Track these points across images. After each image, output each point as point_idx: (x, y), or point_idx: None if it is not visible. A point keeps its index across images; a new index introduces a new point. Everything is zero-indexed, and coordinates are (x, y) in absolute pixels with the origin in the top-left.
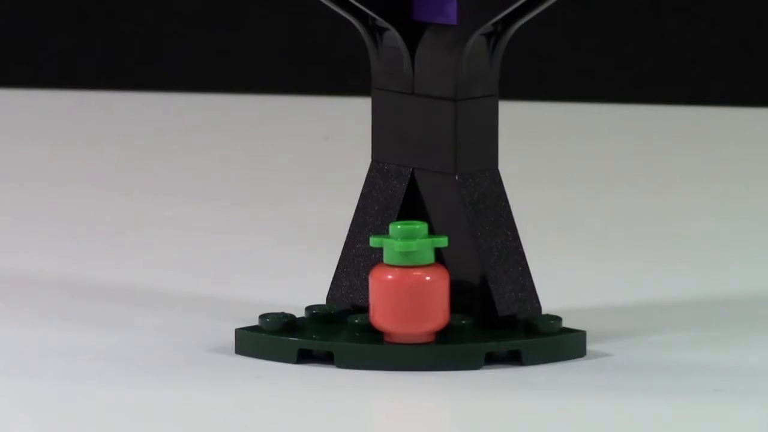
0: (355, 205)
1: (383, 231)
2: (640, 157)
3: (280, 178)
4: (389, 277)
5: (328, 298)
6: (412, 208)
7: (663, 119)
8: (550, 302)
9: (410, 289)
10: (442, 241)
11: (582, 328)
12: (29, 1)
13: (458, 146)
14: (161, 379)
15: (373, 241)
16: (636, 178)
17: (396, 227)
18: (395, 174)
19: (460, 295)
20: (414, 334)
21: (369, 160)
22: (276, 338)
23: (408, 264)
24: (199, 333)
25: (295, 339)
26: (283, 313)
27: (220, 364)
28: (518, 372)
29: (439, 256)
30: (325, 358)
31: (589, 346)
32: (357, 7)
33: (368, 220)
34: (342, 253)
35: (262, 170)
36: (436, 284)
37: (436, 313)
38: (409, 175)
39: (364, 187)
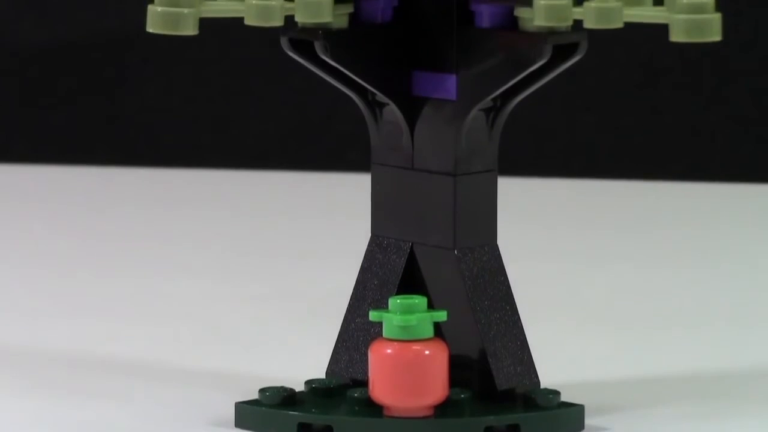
0: (355, 279)
1: (383, 305)
2: (638, 232)
3: (279, 252)
4: (388, 351)
5: (327, 372)
6: (411, 282)
7: (661, 194)
8: (548, 376)
9: (409, 363)
10: (441, 316)
11: (580, 402)
12: (27, 77)
13: (457, 221)
14: None
15: (373, 315)
16: (634, 253)
17: (395, 301)
18: (394, 248)
19: (459, 369)
20: (413, 408)
21: (368, 234)
22: (276, 412)
23: (407, 338)
24: (199, 406)
25: (295, 413)
26: (282, 387)
27: None
28: None
29: (438, 330)
30: None
31: (588, 420)
32: (357, 81)
33: (367, 294)
34: (341, 327)
35: (262, 244)
36: (436, 358)
37: (436, 386)
38: (409, 250)
39: (363, 261)
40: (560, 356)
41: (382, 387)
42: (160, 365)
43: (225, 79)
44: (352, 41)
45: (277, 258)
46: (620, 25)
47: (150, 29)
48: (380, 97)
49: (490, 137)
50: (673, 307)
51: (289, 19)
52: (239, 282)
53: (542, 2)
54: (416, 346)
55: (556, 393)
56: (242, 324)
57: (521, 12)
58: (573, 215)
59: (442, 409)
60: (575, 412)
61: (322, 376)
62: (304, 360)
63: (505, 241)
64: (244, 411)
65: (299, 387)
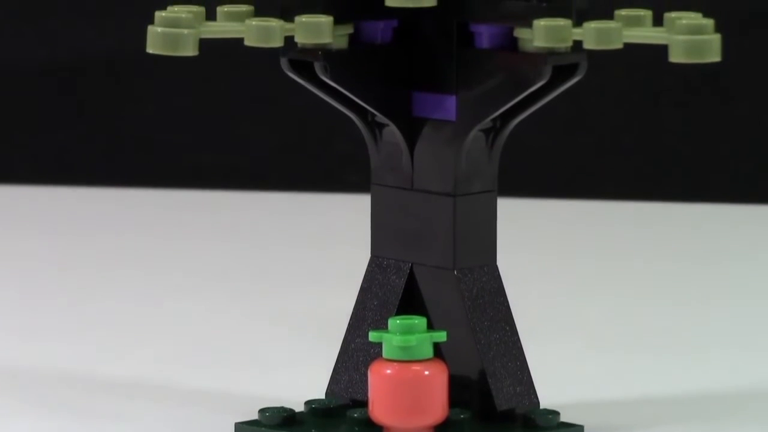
0: (355, 299)
1: (382, 325)
2: (637, 253)
3: (279, 273)
4: (388, 371)
5: (327, 392)
6: (410, 302)
7: (660, 215)
8: (548, 396)
9: (409, 384)
10: (441, 336)
11: (580, 423)
12: (27, 97)
13: (457, 241)
14: None
15: (373, 336)
16: (633, 273)
17: (395, 322)
18: (394, 269)
19: (459, 390)
20: (413, 429)
21: (368, 255)
22: None
23: (407, 358)
24: (199, 426)
25: None
26: (282, 407)
27: None
28: None
29: (438, 350)
30: None
31: None
32: (356, 102)
33: (367, 314)
34: (341, 348)
35: (262, 265)
36: (435, 379)
37: (435, 407)
38: (408, 270)
39: (363, 281)
40: (560, 376)
41: (381, 407)
42: (160, 385)
43: (224, 100)
44: (351, 62)
45: (276, 278)
46: (620, 45)
47: (150, 50)
48: (380, 118)
49: (489, 158)
50: (673, 328)
51: (289, 40)
52: (239, 302)
53: (542, 23)
54: (416, 367)
55: (556, 413)
56: (241, 344)
57: (521, 33)
58: (573, 236)
59: (442, 430)
60: None
61: (322, 396)
62: (303, 380)
63: (505, 261)
64: (244, 431)
65: (299, 407)
